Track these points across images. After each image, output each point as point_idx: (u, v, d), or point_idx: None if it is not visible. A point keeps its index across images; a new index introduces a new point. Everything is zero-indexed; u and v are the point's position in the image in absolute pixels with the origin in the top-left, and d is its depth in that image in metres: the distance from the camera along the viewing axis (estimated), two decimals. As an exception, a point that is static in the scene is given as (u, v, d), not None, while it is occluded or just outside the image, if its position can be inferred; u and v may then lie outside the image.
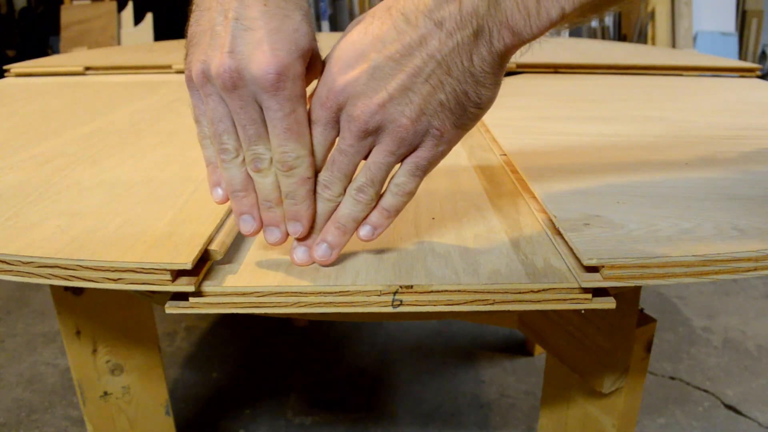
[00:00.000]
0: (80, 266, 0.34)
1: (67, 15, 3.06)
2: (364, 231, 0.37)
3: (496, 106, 0.39)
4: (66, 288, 0.75)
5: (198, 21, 0.34)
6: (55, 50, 3.25)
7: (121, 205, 0.42)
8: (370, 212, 0.37)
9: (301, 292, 0.35)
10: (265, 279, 0.35)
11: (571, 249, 0.37)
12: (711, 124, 0.65)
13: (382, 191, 0.37)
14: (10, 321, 1.43)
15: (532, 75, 0.95)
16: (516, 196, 0.48)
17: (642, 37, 3.19)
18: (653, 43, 3.18)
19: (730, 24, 3.26)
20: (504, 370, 1.23)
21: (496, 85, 0.35)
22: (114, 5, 3.03)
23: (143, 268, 0.34)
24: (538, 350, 1.27)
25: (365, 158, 0.36)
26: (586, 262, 0.34)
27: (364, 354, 1.29)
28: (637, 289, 0.55)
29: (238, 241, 0.40)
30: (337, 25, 3.51)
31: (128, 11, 3.04)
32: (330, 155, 0.36)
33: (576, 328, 0.59)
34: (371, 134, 0.34)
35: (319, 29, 3.34)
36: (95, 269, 0.34)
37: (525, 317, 0.69)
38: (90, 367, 0.79)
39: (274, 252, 0.39)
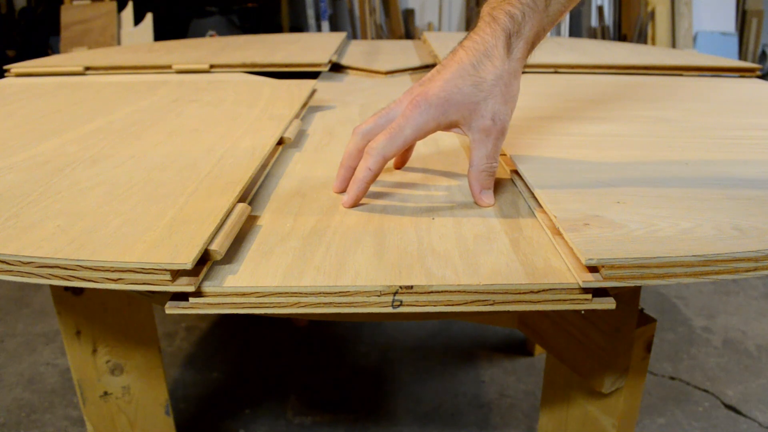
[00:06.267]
0: (80, 266, 0.34)
1: (67, 15, 3.06)
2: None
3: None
4: (66, 288, 0.75)
5: None
6: (55, 50, 3.25)
7: (121, 205, 0.42)
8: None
9: (301, 293, 0.35)
10: (265, 279, 0.35)
11: (571, 249, 0.37)
12: (711, 124, 0.65)
13: None
14: (10, 321, 1.43)
15: (532, 75, 0.95)
16: (516, 196, 0.48)
17: (642, 37, 3.19)
18: (653, 43, 3.19)
19: (730, 24, 3.26)
20: (504, 370, 1.23)
21: None
22: (114, 5, 3.03)
23: (143, 268, 0.34)
24: (538, 350, 1.27)
25: None
26: (586, 262, 0.34)
27: (364, 354, 1.29)
28: (637, 289, 0.55)
29: (238, 241, 0.40)
30: (337, 25, 3.51)
31: (128, 11, 3.04)
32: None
33: (576, 328, 0.59)
34: None
35: (319, 29, 3.34)
36: (95, 269, 0.34)
37: (525, 317, 0.69)
38: (90, 367, 0.79)
39: (275, 252, 0.39)
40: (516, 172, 0.51)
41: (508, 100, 0.45)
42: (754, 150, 0.55)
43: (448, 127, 0.46)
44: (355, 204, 0.46)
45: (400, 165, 0.54)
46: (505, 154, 0.56)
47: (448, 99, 0.44)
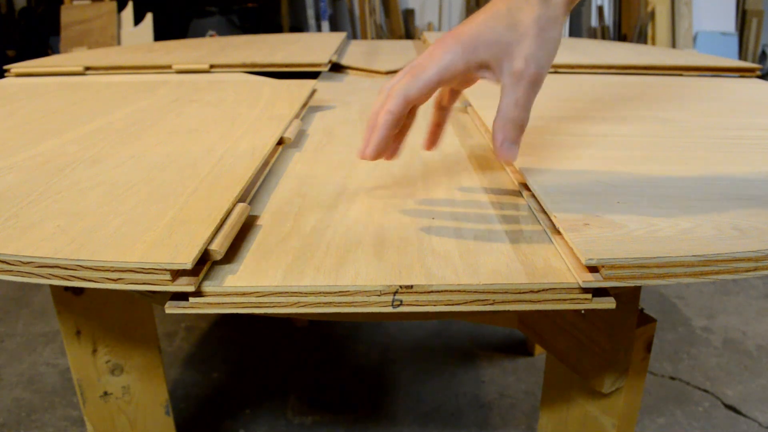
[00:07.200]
0: (80, 266, 0.34)
1: (67, 15, 3.06)
2: None
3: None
4: (66, 288, 0.75)
5: None
6: (55, 50, 3.25)
7: (121, 205, 0.42)
8: None
9: (301, 292, 0.35)
10: (265, 279, 0.35)
11: (571, 249, 0.37)
12: (711, 124, 0.65)
13: None
14: (10, 321, 1.43)
15: (532, 75, 0.95)
16: (516, 195, 0.48)
17: (642, 37, 3.19)
18: (653, 43, 3.19)
19: (730, 24, 3.26)
20: (504, 370, 1.23)
21: None
22: (114, 5, 3.03)
23: (143, 268, 0.34)
24: (538, 350, 1.27)
25: None
26: (585, 262, 0.34)
27: (364, 354, 1.29)
28: (637, 289, 0.55)
29: (238, 241, 0.40)
30: (337, 25, 3.51)
31: (128, 11, 3.05)
32: None
33: (576, 328, 0.59)
34: None
35: (319, 29, 3.34)
36: (95, 269, 0.34)
37: (525, 317, 0.69)
38: (90, 367, 0.79)
39: (275, 252, 0.39)
40: (516, 171, 0.51)
41: (545, 45, 0.41)
42: (754, 150, 0.55)
43: (478, 68, 0.41)
44: (378, 155, 0.42)
45: (393, 152, 0.47)
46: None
47: (479, 37, 0.40)
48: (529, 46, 0.40)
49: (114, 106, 0.73)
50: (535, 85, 0.41)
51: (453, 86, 0.47)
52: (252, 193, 0.48)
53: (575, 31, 3.41)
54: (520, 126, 0.41)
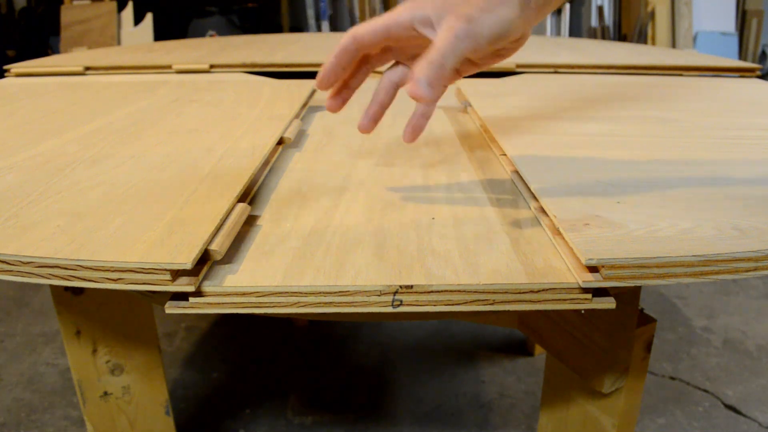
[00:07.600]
0: (80, 266, 0.34)
1: (67, 15, 3.06)
2: None
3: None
4: (66, 288, 0.75)
5: None
6: (55, 50, 3.25)
7: (121, 205, 0.42)
8: None
9: (301, 292, 0.35)
10: (265, 279, 0.35)
11: (571, 249, 0.37)
12: (711, 124, 0.65)
13: None
14: (10, 321, 1.43)
15: (532, 75, 0.95)
16: (516, 195, 0.48)
17: (642, 37, 3.19)
18: (653, 43, 3.19)
19: (730, 24, 3.26)
20: (504, 370, 1.23)
21: None
22: (114, 5, 3.03)
23: (143, 268, 0.34)
24: (538, 350, 1.27)
25: None
26: (585, 262, 0.34)
27: (364, 354, 1.29)
28: (637, 289, 0.55)
29: (238, 241, 0.40)
30: (337, 25, 3.51)
31: (128, 11, 3.05)
32: None
33: (576, 328, 0.59)
34: None
35: (319, 29, 3.34)
36: (95, 269, 0.34)
37: (525, 317, 0.69)
38: (90, 367, 0.79)
39: (275, 252, 0.39)
40: (516, 172, 0.51)
41: (489, 15, 0.41)
42: (754, 150, 0.55)
43: (422, 23, 0.43)
44: (325, 81, 0.53)
45: (372, 122, 0.54)
46: (505, 154, 0.56)
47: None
48: (471, 8, 0.41)
49: (114, 106, 0.73)
50: (461, 39, 0.41)
51: (402, 45, 0.49)
52: (252, 193, 0.48)
53: (575, 31, 3.41)
54: (439, 69, 0.41)
